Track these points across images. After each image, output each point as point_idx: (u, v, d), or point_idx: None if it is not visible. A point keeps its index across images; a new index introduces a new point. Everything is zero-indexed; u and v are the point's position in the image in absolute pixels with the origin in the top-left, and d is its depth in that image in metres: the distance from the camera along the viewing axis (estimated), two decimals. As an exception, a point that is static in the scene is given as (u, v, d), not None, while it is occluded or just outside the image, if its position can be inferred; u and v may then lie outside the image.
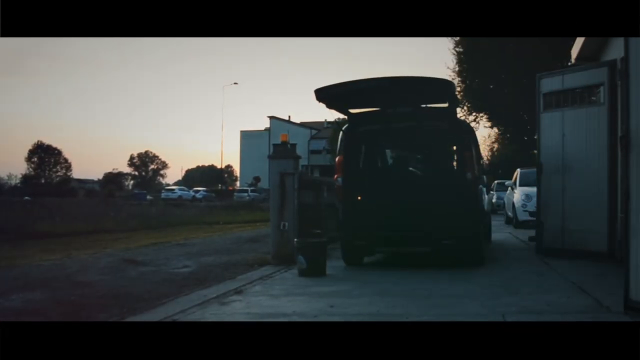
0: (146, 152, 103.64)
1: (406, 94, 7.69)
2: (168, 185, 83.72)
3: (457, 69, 29.91)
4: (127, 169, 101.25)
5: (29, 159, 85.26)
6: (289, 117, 73.56)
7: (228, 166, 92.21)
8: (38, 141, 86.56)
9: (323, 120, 66.68)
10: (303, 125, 70.90)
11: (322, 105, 7.87)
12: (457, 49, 29.31)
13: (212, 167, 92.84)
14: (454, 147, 7.93)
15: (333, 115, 8.31)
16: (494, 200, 19.56)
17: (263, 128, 72.24)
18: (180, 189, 61.97)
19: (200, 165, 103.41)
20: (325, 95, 7.68)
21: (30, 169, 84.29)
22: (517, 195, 15.36)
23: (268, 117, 70.76)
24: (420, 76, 7.27)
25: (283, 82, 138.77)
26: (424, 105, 8.23)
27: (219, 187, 65.51)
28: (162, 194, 57.44)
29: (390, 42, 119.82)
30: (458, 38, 28.63)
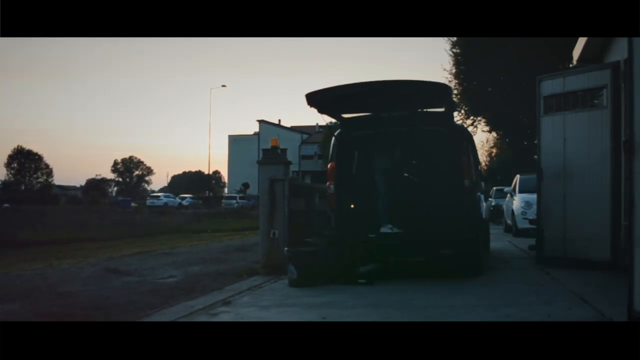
0: (130, 157, 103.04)
1: (401, 98, 7.53)
2: (153, 191, 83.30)
3: (454, 71, 29.76)
4: (110, 175, 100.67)
5: (8, 165, 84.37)
6: (279, 120, 73.36)
7: (216, 172, 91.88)
8: (18, 146, 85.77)
9: (314, 124, 66.63)
10: (294, 129, 70.68)
11: (314, 110, 7.69)
12: (454, 50, 29.14)
13: (199, 173, 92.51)
14: (451, 153, 7.77)
15: (325, 119, 8.15)
16: (492, 208, 19.42)
17: (252, 132, 71.89)
18: (166, 196, 61.62)
19: (187, 170, 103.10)
20: (317, 99, 7.49)
21: (10, 175, 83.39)
22: (517, 202, 15.16)
23: (257, 120, 70.38)
24: (415, 80, 7.10)
25: (273, 84, 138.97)
26: (419, 110, 8.07)
27: (207, 194, 65.20)
28: (148, 201, 57.04)
29: (385, 43, 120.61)
30: (455, 39, 28.46)
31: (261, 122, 69.76)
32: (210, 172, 79.24)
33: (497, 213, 19.75)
